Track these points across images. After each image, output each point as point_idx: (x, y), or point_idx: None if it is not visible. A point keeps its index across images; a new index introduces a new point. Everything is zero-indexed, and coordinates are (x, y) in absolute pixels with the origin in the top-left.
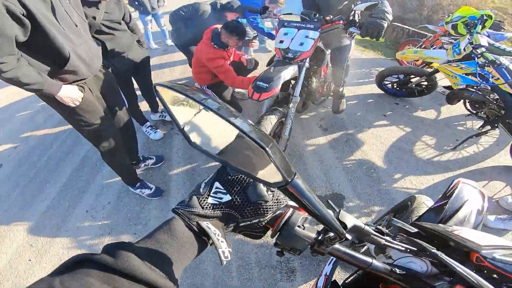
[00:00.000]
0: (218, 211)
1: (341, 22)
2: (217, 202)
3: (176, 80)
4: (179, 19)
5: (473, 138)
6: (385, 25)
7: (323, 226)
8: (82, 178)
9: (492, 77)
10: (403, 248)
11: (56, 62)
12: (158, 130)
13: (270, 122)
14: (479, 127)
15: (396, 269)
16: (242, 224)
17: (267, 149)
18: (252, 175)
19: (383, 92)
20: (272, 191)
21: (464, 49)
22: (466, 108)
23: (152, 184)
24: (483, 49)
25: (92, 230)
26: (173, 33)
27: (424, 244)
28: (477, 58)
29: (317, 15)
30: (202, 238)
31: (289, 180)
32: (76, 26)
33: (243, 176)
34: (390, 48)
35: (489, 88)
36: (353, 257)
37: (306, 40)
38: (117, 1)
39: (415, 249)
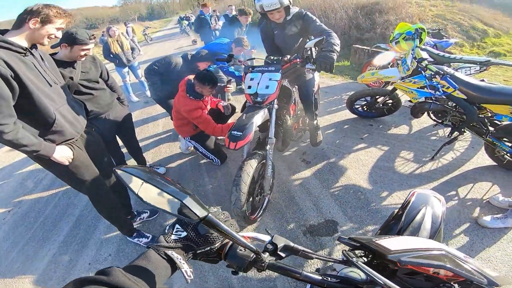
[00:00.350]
0: (179, 243)
1: (298, 60)
2: (177, 238)
3: (160, 133)
4: (153, 74)
5: (448, 146)
6: (335, 57)
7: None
8: (80, 235)
9: (442, 87)
10: (331, 260)
11: (43, 123)
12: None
13: (251, 166)
14: (448, 134)
15: (329, 277)
16: (198, 251)
17: (182, 201)
18: (182, 217)
19: (356, 116)
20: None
21: (411, 64)
22: (431, 118)
23: (149, 234)
24: (426, 62)
25: None
26: (149, 88)
27: (346, 254)
28: (424, 72)
29: (276, 58)
30: (171, 262)
31: (201, 217)
32: (56, 84)
33: None
34: (356, 70)
35: (444, 97)
36: (285, 270)
37: (270, 82)
38: (93, 60)
39: (339, 259)
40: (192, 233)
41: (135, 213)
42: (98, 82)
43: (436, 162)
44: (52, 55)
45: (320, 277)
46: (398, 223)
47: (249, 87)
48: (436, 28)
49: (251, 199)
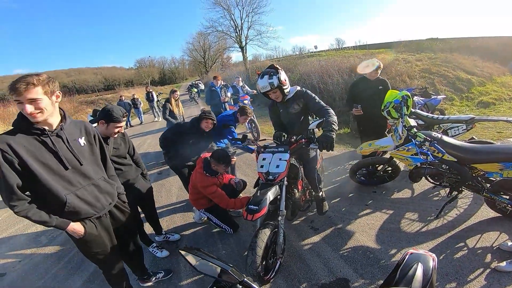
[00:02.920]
0: None
1: (303, 140)
2: None
3: (173, 203)
4: (168, 142)
5: (451, 204)
6: (334, 136)
7: None
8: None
9: (432, 152)
10: None
11: (55, 204)
12: (164, 249)
13: (265, 234)
14: (447, 194)
15: None
16: None
17: (228, 270)
18: (226, 280)
19: (360, 184)
20: None
21: (402, 133)
22: (429, 181)
23: None
24: (415, 130)
25: None
26: (164, 156)
27: None
28: (414, 139)
29: (285, 138)
30: None
31: (240, 280)
32: (82, 165)
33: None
34: (356, 137)
35: (437, 161)
36: None
37: (280, 162)
38: (122, 136)
39: None
40: None
41: (151, 273)
42: (126, 158)
43: (441, 220)
44: None
45: None
46: (395, 277)
47: (262, 166)
48: (423, 87)
49: (264, 262)
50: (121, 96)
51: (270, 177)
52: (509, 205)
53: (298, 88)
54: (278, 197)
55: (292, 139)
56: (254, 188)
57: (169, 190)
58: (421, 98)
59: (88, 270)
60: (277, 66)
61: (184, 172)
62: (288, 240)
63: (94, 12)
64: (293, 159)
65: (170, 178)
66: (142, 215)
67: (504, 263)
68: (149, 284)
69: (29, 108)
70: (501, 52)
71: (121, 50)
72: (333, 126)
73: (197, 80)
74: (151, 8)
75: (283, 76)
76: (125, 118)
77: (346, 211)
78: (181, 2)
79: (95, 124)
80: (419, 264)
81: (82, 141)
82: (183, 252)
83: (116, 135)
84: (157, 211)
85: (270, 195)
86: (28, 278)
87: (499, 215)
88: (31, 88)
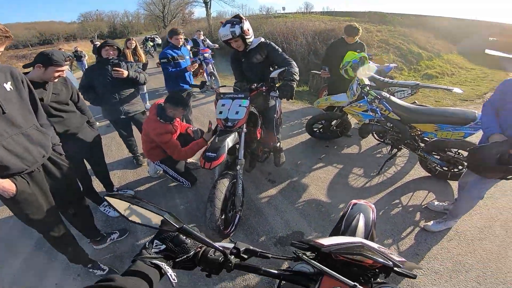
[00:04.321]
0: (160, 255)
1: (264, 88)
2: (158, 250)
3: (125, 157)
4: (85, 92)
5: (390, 161)
6: (294, 85)
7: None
8: (42, 256)
9: (380, 110)
10: (284, 257)
11: None
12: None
13: (223, 184)
14: (389, 152)
15: (285, 271)
16: (177, 260)
17: (164, 216)
18: (164, 229)
19: (314, 138)
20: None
21: (356, 90)
22: (375, 138)
23: (106, 266)
24: (368, 88)
25: None
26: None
27: (296, 252)
28: (366, 97)
29: (245, 86)
30: (157, 269)
31: (179, 227)
32: (4, 113)
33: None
34: (314, 95)
35: (383, 118)
36: (248, 267)
37: (240, 108)
38: (64, 81)
39: (291, 257)
40: (171, 244)
41: (104, 234)
42: (68, 105)
43: (382, 176)
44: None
45: (277, 272)
46: (341, 228)
47: (220, 112)
48: (379, 54)
49: (223, 216)
50: (60, 49)
51: (229, 123)
52: (438, 165)
53: (262, 39)
54: (237, 146)
55: (253, 86)
56: (213, 136)
57: (119, 143)
58: (376, 64)
59: (32, 238)
60: (242, 15)
61: (118, 129)
62: (246, 192)
63: None
64: (253, 107)
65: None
66: (90, 169)
67: (430, 223)
68: (104, 245)
69: None
70: (454, 34)
71: (62, 3)
72: (294, 76)
73: (153, 34)
74: None
75: (246, 25)
76: (67, 62)
77: (301, 164)
78: None
79: (30, 68)
80: (361, 214)
81: (8, 86)
82: (108, 198)
83: (56, 80)
84: (108, 166)
85: (229, 141)
86: None
87: (428, 175)
88: None
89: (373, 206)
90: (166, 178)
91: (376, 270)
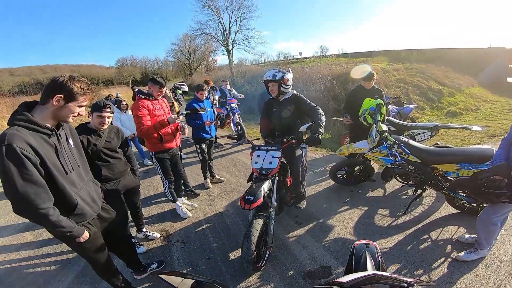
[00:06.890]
0: None
1: (294, 141)
2: None
3: (163, 200)
4: None
5: (416, 202)
6: (320, 136)
7: None
8: (87, 281)
9: (400, 154)
10: None
11: (67, 207)
12: (142, 245)
13: (258, 223)
14: (414, 192)
15: None
16: None
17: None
18: None
19: (339, 184)
20: None
21: (376, 137)
22: (398, 180)
23: None
24: (386, 134)
25: None
26: None
27: None
28: (385, 142)
29: (277, 139)
30: None
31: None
32: (79, 167)
33: None
34: (336, 142)
35: (404, 162)
36: None
37: (273, 159)
38: (117, 131)
39: None
40: None
41: (145, 265)
42: (117, 152)
43: (408, 216)
44: (87, 123)
45: None
46: (352, 268)
47: (256, 162)
48: (397, 96)
49: (256, 252)
50: (109, 95)
51: (264, 172)
52: (466, 202)
53: (295, 92)
54: (269, 191)
55: (284, 139)
56: (247, 182)
57: (156, 188)
58: (395, 107)
59: (79, 265)
60: (289, 70)
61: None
62: (275, 233)
63: (77, 8)
64: (283, 158)
65: (158, 176)
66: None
67: (462, 253)
68: (145, 275)
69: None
70: (472, 64)
71: (102, 48)
72: (320, 129)
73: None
74: (136, 8)
75: (287, 76)
76: (107, 109)
77: (327, 208)
78: (167, 3)
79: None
80: (366, 252)
81: (71, 141)
82: (163, 276)
83: (104, 127)
84: (147, 207)
85: (265, 187)
86: (12, 276)
87: (458, 211)
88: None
89: (375, 243)
90: (199, 220)
91: None
